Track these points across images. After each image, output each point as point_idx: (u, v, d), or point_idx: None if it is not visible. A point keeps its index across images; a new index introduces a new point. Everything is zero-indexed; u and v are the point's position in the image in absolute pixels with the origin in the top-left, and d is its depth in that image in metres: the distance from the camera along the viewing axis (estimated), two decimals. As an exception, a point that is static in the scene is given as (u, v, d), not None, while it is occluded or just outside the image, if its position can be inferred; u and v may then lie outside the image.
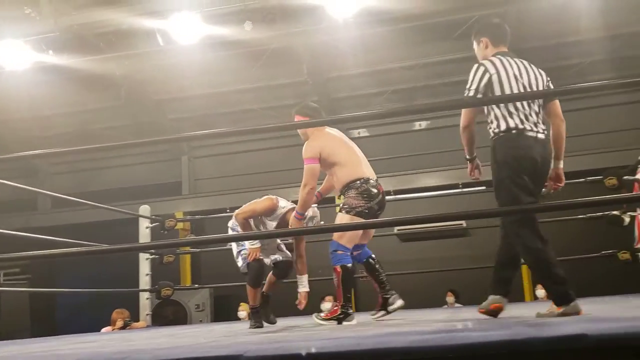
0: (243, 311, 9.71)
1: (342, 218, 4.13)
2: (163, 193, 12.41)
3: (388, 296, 4.25)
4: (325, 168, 4.32)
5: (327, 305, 8.80)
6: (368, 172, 4.28)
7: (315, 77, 11.29)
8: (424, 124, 12.07)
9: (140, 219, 6.90)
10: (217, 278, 10.91)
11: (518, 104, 3.36)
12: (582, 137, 11.18)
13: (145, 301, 6.85)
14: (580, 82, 10.38)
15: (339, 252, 4.09)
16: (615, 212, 6.32)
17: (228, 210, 10.92)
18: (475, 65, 3.54)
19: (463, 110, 3.53)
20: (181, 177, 13.13)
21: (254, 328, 4.43)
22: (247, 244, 4.57)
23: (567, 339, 1.65)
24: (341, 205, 4.24)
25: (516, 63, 3.53)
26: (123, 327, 6.61)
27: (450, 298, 9.43)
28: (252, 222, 4.63)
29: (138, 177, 13.05)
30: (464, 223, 10.41)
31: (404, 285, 10.13)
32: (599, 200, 2.78)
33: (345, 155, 4.29)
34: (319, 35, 10.12)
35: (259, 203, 4.61)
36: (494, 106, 3.39)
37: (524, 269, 10.60)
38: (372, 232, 4.50)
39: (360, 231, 4.21)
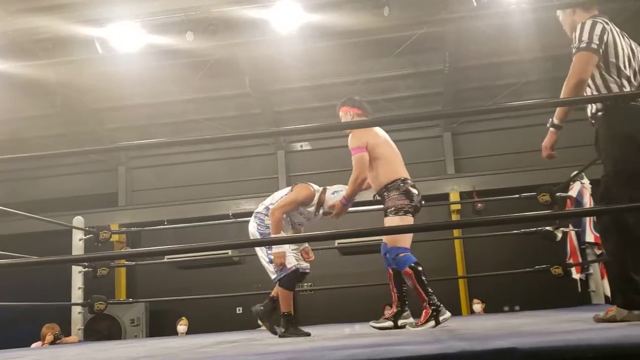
0: (182, 325, 9.57)
1: (392, 221, 4.06)
2: (99, 204, 12.14)
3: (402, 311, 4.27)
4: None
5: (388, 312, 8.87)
6: (405, 172, 4.29)
7: (258, 89, 11.28)
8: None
9: (74, 230, 6.71)
10: (153, 292, 10.74)
11: (628, 68, 3.05)
12: (518, 155, 11.51)
13: (77, 315, 6.65)
14: (515, 101, 10.69)
15: (401, 254, 4.05)
16: (548, 228, 6.50)
17: (166, 223, 10.82)
18: (589, 21, 3.13)
19: (583, 62, 3.05)
20: (117, 187, 12.87)
21: (290, 336, 4.18)
22: (273, 248, 4.33)
23: (496, 352, 1.68)
24: (386, 209, 4.16)
25: (613, 26, 3.17)
26: (53, 342, 6.41)
27: (387, 312, 9.47)
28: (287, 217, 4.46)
29: (73, 187, 12.74)
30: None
31: (343, 298, 10.26)
32: (533, 215, 2.83)
33: (388, 152, 4.29)
34: (262, 47, 10.12)
35: (299, 193, 4.46)
36: (603, 68, 3.05)
37: (461, 283, 10.81)
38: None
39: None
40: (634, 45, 3.19)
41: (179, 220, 10.70)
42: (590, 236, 6.20)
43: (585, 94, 3.13)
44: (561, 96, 3.12)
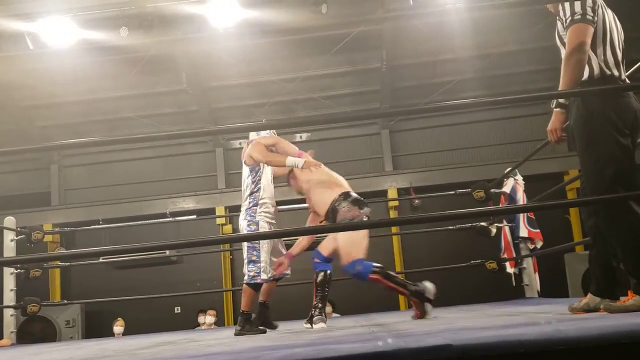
0: (119, 327, 9.40)
1: (350, 234, 4.12)
2: (30, 204, 11.78)
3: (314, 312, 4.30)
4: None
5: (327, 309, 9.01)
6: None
7: (194, 86, 11.14)
8: (304, 136, 12.20)
9: (5, 231, 6.51)
10: (89, 292, 10.49)
11: (611, 43, 2.93)
12: (454, 151, 11.75)
13: (9, 318, 6.45)
14: (451, 98, 10.89)
15: (358, 267, 4.07)
16: (483, 224, 6.65)
17: (101, 222, 10.59)
18: None
19: (580, 35, 2.86)
20: (50, 187, 12.51)
21: (250, 334, 4.20)
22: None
23: (432, 349, 1.71)
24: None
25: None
26: (-17, 346, 6.20)
27: (328, 308, 9.54)
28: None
29: (4, 186, 12.31)
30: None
31: (285, 295, 10.21)
32: (470, 212, 2.89)
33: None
34: (199, 44, 10.01)
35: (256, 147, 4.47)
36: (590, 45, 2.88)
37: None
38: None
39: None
40: (615, 17, 3.07)
41: (115, 219, 10.48)
42: (524, 231, 6.38)
43: None
44: (564, 73, 2.92)
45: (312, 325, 4.20)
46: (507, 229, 6.75)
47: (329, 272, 4.29)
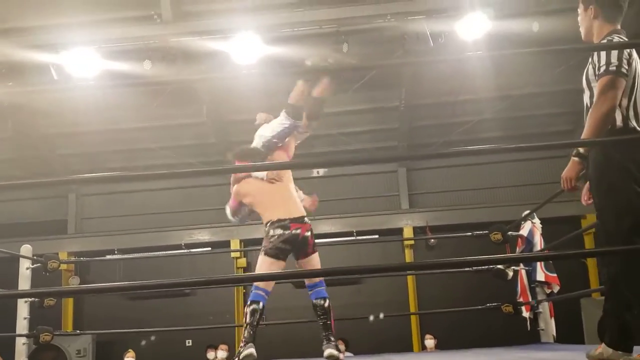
0: (130, 358, 9.36)
1: (259, 259, 4.33)
2: (47, 231, 11.87)
3: (323, 343, 4.26)
4: None
5: (340, 347, 9.02)
6: (280, 213, 4.41)
7: (214, 119, 11.24)
8: (322, 172, 12.23)
9: (21, 259, 6.53)
10: (101, 322, 10.50)
11: (639, 96, 2.91)
12: (471, 191, 11.72)
13: (21, 346, 6.44)
14: (469, 138, 10.90)
15: (254, 291, 4.22)
16: (500, 267, 6.59)
17: (116, 252, 10.63)
18: (616, 38, 2.95)
19: (614, 87, 2.83)
20: (67, 215, 12.60)
21: None
22: None
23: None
24: None
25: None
26: (-5, 374, 6.20)
27: (341, 346, 9.46)
28: None
29: (20, 213, 12.42)
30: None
31: (296, 333, 10.18)
32: (487, 259, 2.87)
33: (261, 200, 4.59)
34: (220, 77, 10.13)
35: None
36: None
37: (413, 319, 10.85)
38: (315, 263, 4.48)
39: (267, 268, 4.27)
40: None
41: (130, 249, 10.53)
42: (540, 275, 6.30)
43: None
44: (590, 123, 2.91)
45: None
46: (523, 272, 6.67)
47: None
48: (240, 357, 3.94)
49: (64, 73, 9.03)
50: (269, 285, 4.25)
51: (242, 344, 4.06)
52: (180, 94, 10.63)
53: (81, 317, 11.51)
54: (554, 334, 6.37)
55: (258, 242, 11.71)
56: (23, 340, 6.43)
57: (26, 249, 6.57)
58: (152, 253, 9.85)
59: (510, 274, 6.45)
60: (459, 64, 9.44)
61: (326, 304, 4.33)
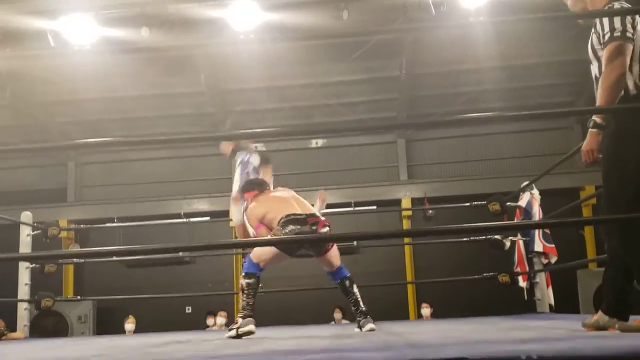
0: (130, 324, 9.44)
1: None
2: (47, 199, 11.89)
3: (359, 319, 4.25)
4: None
5: (337, 315, 9.53)
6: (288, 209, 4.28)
7: (213, 88, 11.19)
8: (320, 142, 12.23)
9: (22, 225, 6.56)
10: (101, 289, 10.58)
11: None
12: (469, 163, 11.74)
13: (23, 312, 6.50)
14: (470, 109, 10.86)
15: (247, 263, 4.18)
16: (497, 236, 6.63)
17: (116, 220, 10.67)
18: (616, 4, 2.91)
19: (621, 53, 2.79)
20: (67, 183, 12.61)
21: None
22: None
23: (448, 361, 1.71)
24: None
25: None
26: (-2, 338, 6.27)
27: (337, 315, 9.57)
28: None
29: (20, 181, 12.44)
30: (354, 242, 10.61)
31: (294, 301, 10.28)
32: (484, 226, 2.88)
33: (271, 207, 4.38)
34: (219, 46, 10.06)
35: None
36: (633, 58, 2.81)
37: (410, 288, 10.94)
38: (333, 261, 4.39)
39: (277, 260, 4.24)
40: None
41: (129, 218, 10.56)
42: (538, 245, 6.34)
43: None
44: (601, 92, 2.87)
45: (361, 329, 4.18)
46: (521, 242, 6.73)
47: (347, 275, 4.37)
48: (239, 332, 3.92)
49: (61, 40, 8.96)
50: (265, 263, 4.18)
51: (239, 317, 4.03)
52: (178, 63, 10.56)
53: (81, 285, 11.59)
54: (552, 304, 6.43)
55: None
56: (25, 305, 6.50)
57: (26, 216, 6.60)
58: (151, 222, 9.88)
59: (508, 244, 6.51)
60: (460, 32, 9.35)
61: (347, 283, 4.34)
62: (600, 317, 2.98)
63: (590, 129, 2.94)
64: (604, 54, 2.88)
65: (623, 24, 2.81)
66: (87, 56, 9.81)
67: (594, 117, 2.93)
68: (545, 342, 2.22)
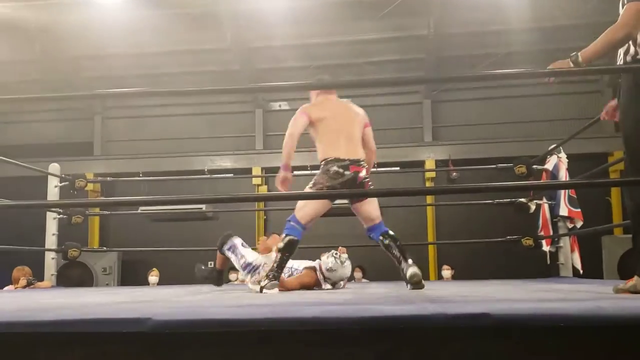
0: (154, 276, 9.60)
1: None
2: (73, 152, 12.02)
3: (403, 268, 4.12)
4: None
5: (357, 274, 9.49)
6: (342, 152, 4.24)
7: (238, 45, 11.14)
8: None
9: (49, 177, 6.65)
10: (125, 242, 10.74)
11: None
12: (495, 125, 11.59)
13: (50, 261, 6.64)
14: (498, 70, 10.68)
15: (291, 222, 4.15)
16: (522, 200, 6.58)
17: (141, 175, 10.76)
18: None
19: (635, 14, 2.79)
20: (93, 137, 12.74)
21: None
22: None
23: (470, 317, 1.71)
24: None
25: None
26: (27, 286, 6.41)
27: (358, 274, 9.63)
28: None
29: (48, 134, 12.57)
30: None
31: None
32: (509, 185, 2.86)
33: (329, 130, 4.34)
34: (246, 2, 9.98)
35: (304, 277, 4.54)
36: None
37: (431, 249, 10.95)
38: (371, 212, 4.32)
39: (320, 211, 4.21)
40: None
41: (154, 173, 10.65)
42: (564, 210, 6.27)
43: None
44: (599, 41, 2.90)
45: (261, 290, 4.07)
46: (546, 206, 6.67)
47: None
48: (263, 292, 3.95)
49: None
50: (308, 219, 4.16)
51: (267, 276, 4.05)
52: (204, 19, 10.52)
53: (107, 237, 11.78)
54: (580, 267, 6.39)
55: (278, 170, 11.81)
56: (52, 255, 6.63)
57: (54, 168, 6.69)
58: (175, 177, 9.96)
59: (533, 207, 6.46)
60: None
61: (387, 240, 4.23)
62: (637, 281, 2.91)
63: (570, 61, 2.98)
64: (622, 12, 2.85)
65: None
66: (114, 11, 9.80)
67: (578, 54, 2.97)
68: (568, 302, 2.22)
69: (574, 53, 3.01)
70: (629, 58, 2.92)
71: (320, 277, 4.55)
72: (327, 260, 4.56)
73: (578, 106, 11.16)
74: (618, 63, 3.01)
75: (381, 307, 1.85)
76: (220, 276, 5.10)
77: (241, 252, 4.74)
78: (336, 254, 4.57)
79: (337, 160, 4.19)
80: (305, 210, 4.16)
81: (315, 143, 4.36)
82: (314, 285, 4.53)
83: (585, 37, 11.06)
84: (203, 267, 5.23)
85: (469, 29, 10.78)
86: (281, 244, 4.10)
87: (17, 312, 1.91)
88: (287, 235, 4.11)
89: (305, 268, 4.61)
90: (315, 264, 4.62)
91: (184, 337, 1.70)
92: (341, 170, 4.16)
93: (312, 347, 1.70)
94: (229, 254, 4.81)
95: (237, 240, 4.85)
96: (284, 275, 4.32)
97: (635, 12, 2.79)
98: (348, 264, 4.62)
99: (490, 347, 1.69)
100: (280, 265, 4.08)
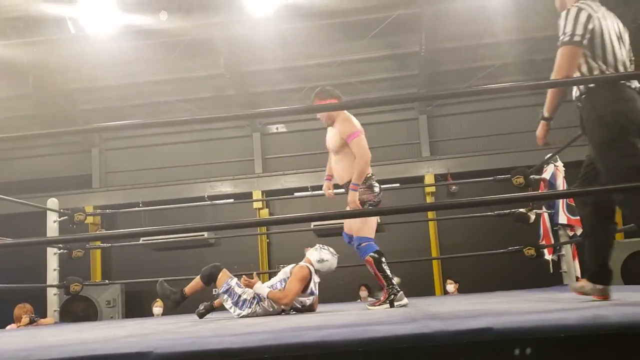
0: (158, 307, 9.54)
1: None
2: (72, 186, 12.04)
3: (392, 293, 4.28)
4: (344, 150, 4.46)
5: (363, 293, 9.52)
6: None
7: (232, 70, 11.19)
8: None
9: (48, 212, 6.64)
10: (128, 273, 10.71)
11: (616, 50, 3.05)
12: (492, 137, 11.62)
13: (52, 297, 6.61)
14: (490, 84, 10.74)
15: (363, 244, 4.29)
16: (522, 210, 6.58)
17: (141, 205, 10.77)
18: (574, 8, 3.11)
19: (566, 57, 3.07)
20: (91, 169, 12.76)
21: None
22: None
23: (472, 332, 1.71)
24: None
25: (602, 10, 3.15)
26: (29, 324, 6.37)
27: (363, 292, 9.60)
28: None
29: (46, 169, 12.61)
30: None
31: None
32: (507, 198, 2.88)
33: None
34: (238, 28, 10.04)
35: (297, 274, 4.61)
36: (589, 56, 3.05)
37: (435, 264, 10.93)
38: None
39: (375, 225, 4.41)
40: (622, 27, 3.18)
41: (154, 202, 10.65)
42: (563, 218, 6.28)
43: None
44: (549, 95, 3.21)
45: (392, 306, 4.21)
46: (546, 215, 6.67)
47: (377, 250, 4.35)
48: (395, 305, 4.10)
49: (80, 26, 9.02)
50: (373, 232, 4.38)
51: (389, 291, 4.18)
52: (197, 46, 10.58)
53: (109, 270, 11.75)
54: (579, 276, 6.38)
55: (279, 192, 11.77)
56: (54, 291, 6.59)
57: (52, 202, 6.68)
58: (176, 205, 9.96)
59: (533, 217, 6.45)
60: (479, 5, 9.24)
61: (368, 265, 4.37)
62: (586, 284, 3.11)
63: (540, 121, 3.35)
64: (556, 57, 3.12)
65: (573, 27, 3.05)
66: (106, 43, 9.86)
67: (543, 111, 3.30)
68: (569, 311, 2.21)
69: (539, 112, 3.37)
70: (578, 94, 3.17)
71: (312, 269, 4.67)
72: (317, 252, 4.73)
73: (573, 114, 11.17)
74: (574, 96, 3.23)
75: (383, 327, 1.85)
76: (182, 301, 5.09)
77: (238, 293, 4.71)
78: (323, 246, 4.76)
79: (372, 175, 4.42)
80: (366, 228, 4.34)
81: (347, 160, 4.43)
82: (310, 278, 4.62)
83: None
84: (167, 286, 5.15)
85: (460, 43, 10.86)
86: (375, 266, 4.26)
87: (19, 352, 1.90)
88: (370, 255, 4.27)
89: (294, 267, 4.69)
90: (301, 263, 4.71)
91: (186, 369, 1.69)
92: (377, 184, 4.39)
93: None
94: (225, 296, 4.76)
95: (232, 282, 4.81)
96: (264, 296, 4.51)
97: (565, 56, 3.06)
98: (336, 257, 4.82)
99: (495, 360, 1.69)
100: (389, 278, 4.21)
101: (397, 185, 10.85)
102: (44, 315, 6.59)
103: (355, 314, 3.46)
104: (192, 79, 11.62)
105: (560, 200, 6.25)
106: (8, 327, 6.66)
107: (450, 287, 9.67)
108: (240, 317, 4.60)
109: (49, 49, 10.04)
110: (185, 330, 3.05)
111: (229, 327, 3.13)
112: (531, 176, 6.39)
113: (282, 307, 4.59)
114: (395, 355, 1.70)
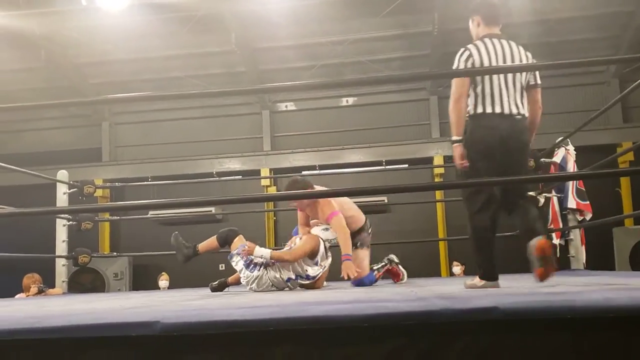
0: (164, 280, 9.61)
1: (364, 253, 5.17)
2: (82, 159, 12.09)
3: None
4: None
5: (456, 269, 9.61)
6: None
7: (243, 46, 11.13)
8: (350, 100, 12.16)
9: (58, 184, 6.68)
10: (136, 247, 10.76)
11: (495, 87, 3.49)
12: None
13: (61, 268, 6.66)
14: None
15: (366, 282, 4.91)
16: (531, 193, 6.55)
17: (150, 179, 10.80)
18: (461, 50, 3.61)
19: (454, 82, 3.50)
20: (101, 143, 12.79)
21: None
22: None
23: (478, 311, 1.71)
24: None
25: (502, 46, 3.64)
26: (38, 294, 6.43)
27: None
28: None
29: (56, 142, 12.65)
30: (385, 199, 10.61)
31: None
32: (517, 179, 2.85)
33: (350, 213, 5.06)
34: (249, 4, 9.98)
35: (306, 243, 4.73)
36: (472, 88, 3.46)
37: (441, 245, 10.93)
38: None
39: None
40: (511, 54, 3.69)
41: (163, 177, 10.68)
42: (572, 202, 6.26)
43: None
44: (452, 119, 3.46)
45: None
46: (555, 199, 6.64)
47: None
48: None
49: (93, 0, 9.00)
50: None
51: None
52: (208, 22, 10.52)
53: (117, 243, 11.82)
54: (584, 261, 6.38)
55: (287, 170, 11.74)
56: (63, 261, 6.65)
57: (62, 175, 6.71)
58: (184, 180, 9.97)
59: (542, 200, 6.42)
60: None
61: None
62: (477, 282, 3.57)
63: (453, 145, 3.52)
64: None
65: (458, 61, 3.59)
66: (118, 17, 9.83)
67: (453, 136, 3.49)
68: (576, 294, 2.21)
69: (449, 139, 3.65)
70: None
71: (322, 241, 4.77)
72: (320, 227, 4.87)
73: (584, 98, 11.11)
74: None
75: (390, 304, 1.85)
76: (193, 256, 5.24)
77: (250, 257, 4.77)
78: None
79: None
80: (366, 262, 5.16)
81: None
82: (317, 250, 4.68)
83: (588, 28, 11.06)
84: (181, 239, 5.36)
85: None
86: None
87: (27, 319, 1.91)
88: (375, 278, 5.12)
89: (307, 235, 4.81)
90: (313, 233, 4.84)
91: (193, 339, 1.70)
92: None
93: (322, 345, 1.70)
94: (237, 258, 4.82)
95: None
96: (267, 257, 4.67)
97: (455, 85, 3.47)
98: None
99: (500, 339, 1.69)
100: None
101: (406, 166, 10.84)
102: (53, 286, 6.65)
103: (363, 292, 3.47)
104: (202, 54, 11.57)
105: (570, 184, 6.22)
106: (17, 296, 6.72)
107: (457, 269, 9.68)
108: (249, 284, 4.73)
109: (60, 20, 10.02)
110: (192, 302, 3.06)
111: (236, 300, 3.14)
112: (542, 159, 6.36)
113: (287, 272, 4.64)
114: (401, 332, 1.70)
